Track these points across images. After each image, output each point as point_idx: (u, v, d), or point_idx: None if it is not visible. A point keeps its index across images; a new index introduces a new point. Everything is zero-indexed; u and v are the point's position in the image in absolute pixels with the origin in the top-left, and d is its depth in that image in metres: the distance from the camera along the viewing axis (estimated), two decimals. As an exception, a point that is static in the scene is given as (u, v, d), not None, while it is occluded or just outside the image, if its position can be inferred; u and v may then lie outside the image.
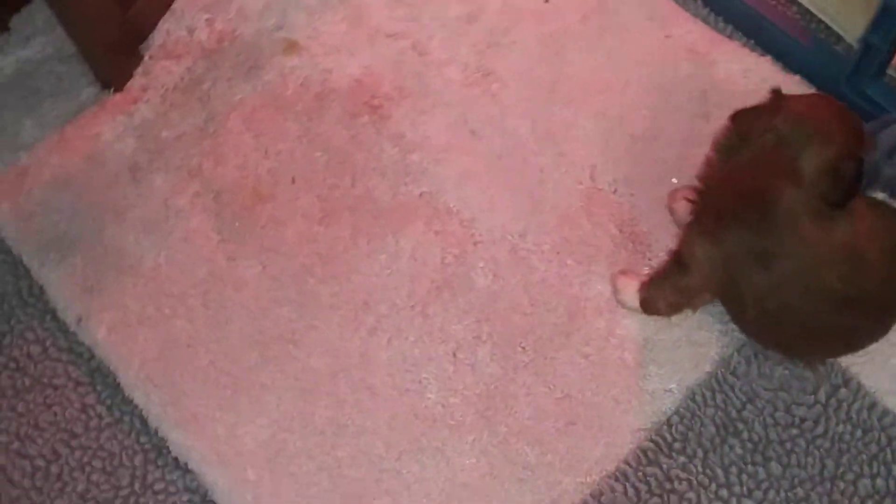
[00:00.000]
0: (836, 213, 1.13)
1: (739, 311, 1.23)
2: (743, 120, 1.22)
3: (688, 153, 1.48)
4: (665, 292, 1.28)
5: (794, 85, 1.53)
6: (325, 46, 1.61)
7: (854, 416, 1.28)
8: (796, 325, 1.19)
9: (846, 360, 1.31)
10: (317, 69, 1.59)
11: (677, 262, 1.26)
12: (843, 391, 1.30)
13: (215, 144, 1.52)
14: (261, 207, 1.46)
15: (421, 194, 1.45)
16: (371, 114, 1.54)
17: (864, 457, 1.26)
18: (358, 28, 1.63)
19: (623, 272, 1.35)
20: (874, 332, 1.23)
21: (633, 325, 1.34)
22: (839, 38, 1.59)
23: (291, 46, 1.62)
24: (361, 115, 1.54)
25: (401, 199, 1.45)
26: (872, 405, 1.29)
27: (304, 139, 1.52)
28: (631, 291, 1.31)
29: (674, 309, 1.29)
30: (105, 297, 1.40)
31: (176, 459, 1.29)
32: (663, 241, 1.40)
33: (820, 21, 1.62)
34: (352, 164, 1.49)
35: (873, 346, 1.31)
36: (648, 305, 1.29)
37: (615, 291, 1.34)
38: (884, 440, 1.27)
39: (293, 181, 1.48)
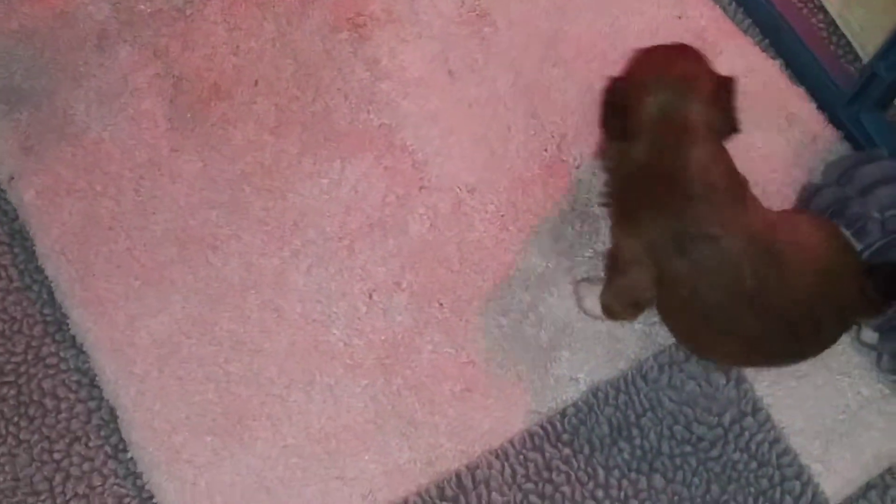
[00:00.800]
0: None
1: (661, 303, 1.18)
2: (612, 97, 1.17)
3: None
4: (614, 297, 1.23)
5: (796, 98, 1.44)
6: (324, -49, 1.53)
7: (754, 447, 1.25)
8: (706, 318, 1.14)
9: (761, 390, 1.27)
10: (309, -29, 1.51)
11: (612, 265, 1.21)
12: (749, 419, 1.26)
13: (188, 29, 1.47)
14: (216, 103, 1.42)
15: (380, 125, 1.40)
16: (352, 31, 1.47)
17: (752, 490, 1.23)
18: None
19: (587, 279, 1.30)
20: (785, 351, 1.18)
21: (558, 307, 1.31)
22: (857, 59, 1.50)
23: (289, -58, 1.54)
24: (342, 30, 1.48)
25: (358, 126, 1.40)
26: (776, 440, 1.25)
27: (278, 42, 1.46)
28: (594, 299, 1.25)
29: (631, 311, 1.23)
30: (41, 160, 1.37)
31: (73, 338, 1.28)
32: (612, 228, 1.35)
33: (842, 36, 1.52)
34: (318, 79, 1.43)
35: (794, 383, 1.27)
36: (609, 312, 1.24)
37: (578, 299, 1.29)
38: (777, 478, 1.24)
39: (255, 83, 1.43)
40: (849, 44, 1.50)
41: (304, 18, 1.48)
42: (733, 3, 1.53)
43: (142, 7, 1.49)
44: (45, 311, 1.30)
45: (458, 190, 1.36)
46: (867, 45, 1.47)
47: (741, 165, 1.38)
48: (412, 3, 1.50)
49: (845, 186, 1.27)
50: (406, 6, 1.49)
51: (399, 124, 1.40)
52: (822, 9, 1.53)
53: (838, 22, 1.52)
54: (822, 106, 1.43)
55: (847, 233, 1.24)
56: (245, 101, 1.42)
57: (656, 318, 1.29)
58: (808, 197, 1.30)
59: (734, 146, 1.39)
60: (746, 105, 1.42)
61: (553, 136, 1.41)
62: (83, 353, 1.27)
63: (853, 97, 1.34)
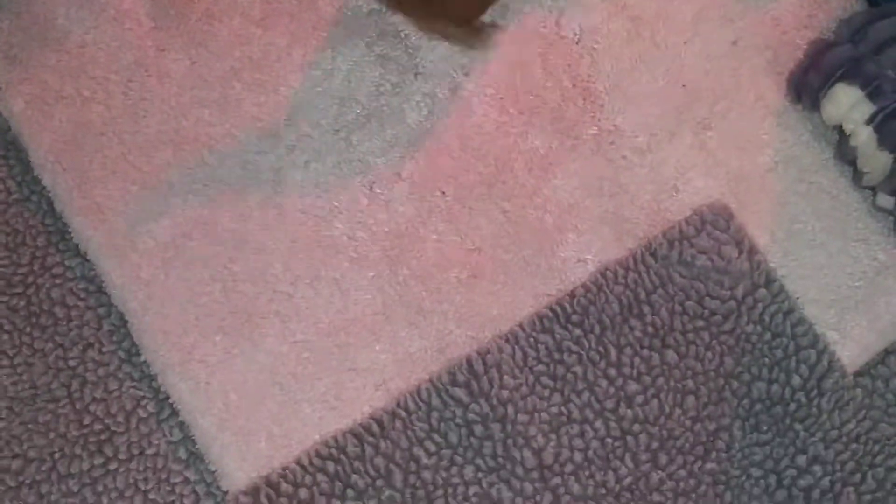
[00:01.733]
0: None
1: None
2: None
3: (669, 7, 1.35)
4: None
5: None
6: None
7: (767, 318, 1.23)
8: None
9: (775, 261, 1.25)
10: None
11: None
12: (762, 291, 1.24)
13: (165, -80, 1.40)
14: (200, -2, 1.36)
15: (370, 11, 1.35)
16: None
17: (766, 360, 1.22)
18: None
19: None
20: None
21: (563, 187, 1.27)
22: None
23: None
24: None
25: (347, 13, 1.35)
26: (790, 311, 1.23)
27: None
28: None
29: None
30: (27, 69, 1.34)
31: (77, 246, 1.28)
32: (617, 103, 1.30)
33: None
34: (304, -35, 1.37)
35: (808, 252, 1.25)
36: None
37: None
38: (791, 348, 1.22)
39: (239, -27, 1.37)
40: None
41: None
42: None
43: None
44: (47, 221, 1.29)
45: (454, 74, 1.32)
46: None
47: (752, 28, 1.33)
48: None
49: (858, 44, 1.21)
50: None
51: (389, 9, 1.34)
52: None
53: None
54: (837, -40, 1.35)
55: (862, 93, 1.19)
56: (230, -9, 1.36)
57: (665, 193, 1.26)
58: (818, 54, 1.24)
59: (746, 13, 1.34)
60: (755, -34, 1.36)
61: (551, 11, 1.34)
62: (88, 261, 1.27)
63: (869, -53, 1.26)
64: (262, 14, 1.35)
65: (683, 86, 1.32)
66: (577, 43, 1.33)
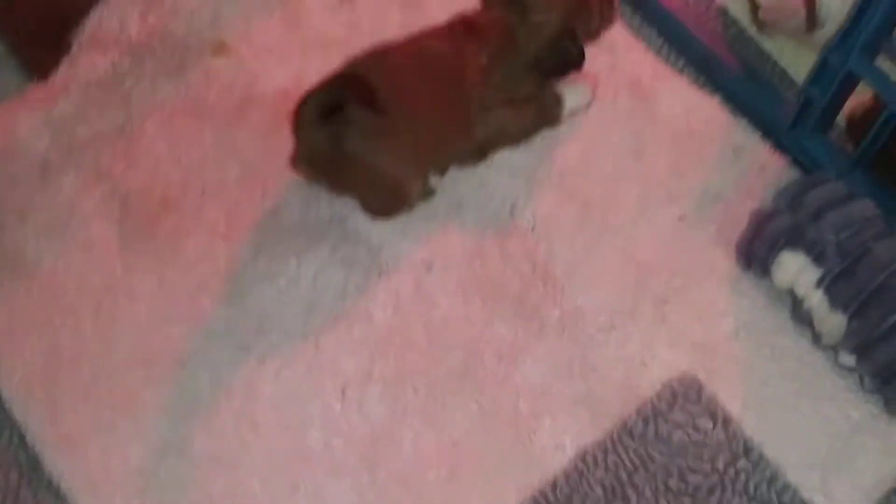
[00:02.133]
0: None
1: None
2: None
3: (615, 190, 1.41)
4: None
5: (739, 130, 1.45)
6: (256, 48, 1.55)
7: (752, 488, 1.23)
8: None
9: (750, 429, 1.26)
10: (243, 73, 1.52)
11: None
12: (742, 461, 1.24)
13: (129, 147, 1.47)
14: (166, 217, 1.41)
15: (331, 217, 1.40)
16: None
17: (757, 532, 1.21)
18: (294, 32, 1.56)
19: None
20: None
21: (533, 372, 1.29)
22: (794, 84, 1.51)
23: (221, 47, 1.55)
24: (281, 128, 1.47)
25: (309, 220, 1.40)
26: (773, 478, 1.23)
27: (220, 149, 1.46)
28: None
29: None
30: (-2, 300, 1.36)
31: (50, 481, 1.25)
32: (576, 284, 1.34)
33: (776, 63, 1.53)
34: (263, 179, 1.43)
35: (781, 416, 1.26)
36: None
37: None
38: (780, 516, 1.21)
39: (202, 192, 1.43)
40: (784, 71, 1.51)
41: (243, 121, 1.48)
42: (665, 45, 1.55)
43: (81, 132, 1.48)
44: (20, 455, 1.27)
45: (416, 269, 1.35)
46: (801, 70, 1.48)
47: (696, 203, 1.39)
48: (348, 90, 1.50)
49: (797, 212, 1.27)
50: (343, 94, 1.50)
51: (349, 213, 1.39)
52: (754, 40, 1.55)
53: (771, 52, 1.53)
54: (766, 134, 1.43)
55: (807, 258, 1.24)
56: (193, 210, 1.41)
57: (634, 370, 1.28)
58: (761, 223, 1.30)
59: (686, 188, 1.41)
60: (693, 145, 1.45)
61: (504, 202, 1.40)
62: (61, 496, 1.24)
63: (793, 123, 1.35)
64: (226, 227, 1.39)
65: (638, 263, 1.36)
66: (532, 230, 1.39)
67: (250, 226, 1.39)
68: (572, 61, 1.30)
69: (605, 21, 1.41)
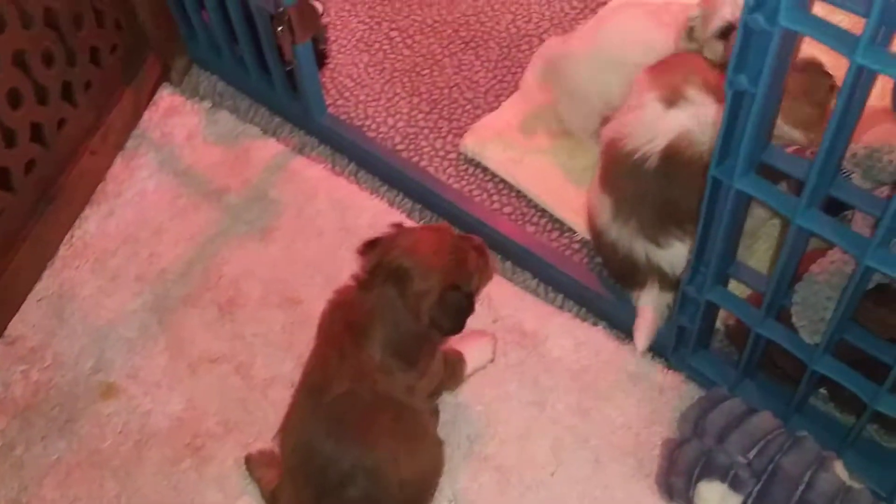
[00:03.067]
0: None
1: None
2: (368, 251, 1.26)
3: (526, 447, 1.41)
4: None
5: (631, 355, 1.48)
6: (145, 384, 1.54)
7: None
8: None
9: None
10: (136, 412, 1.50)
11: None
12: None
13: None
14: (76, 590, 1.33)
15: (252, 546, 1.34)
16: (193, 457, 1.45)
17: None
18: (179, 358, 1.56)
19: None
20: None
21: None
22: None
23: (109, 389, 1.54)
24: (183, 459, 1.45)
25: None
26: None
27: (123, 497, 1.42)
28: None
29: None
30: None
31: None
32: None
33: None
34: (174, 525, 1.38)
35: None
36: None
37: None
38: None
39: (113, 549, 1.37)
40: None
41: (143, 462, 1.45)
42: (541, 285, 1.60)
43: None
44: None
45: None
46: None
47: (603, 442, 1.39)
48: (244, 405, 1.49)
49: (702, 438, 1.28)
50: (239, 410, 1.49)
51: (267, 537, 1.34)
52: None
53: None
54: (657, 355, 1.46)
55: (724, 485, 1.23)
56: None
57: None
58: (672, 454, 1.30)
59: (594, 427, 1.41)
60: (589, 379, 1.47)
61: (421, 486, 1.38)
62: None
63: (675, 346, 1.39)
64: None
65: (565, 520, 1.34)
66: None
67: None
68: (465, 309, 1.27)
69: (484, 276, 1.40)
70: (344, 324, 1.28)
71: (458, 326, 1.26)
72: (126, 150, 1.80)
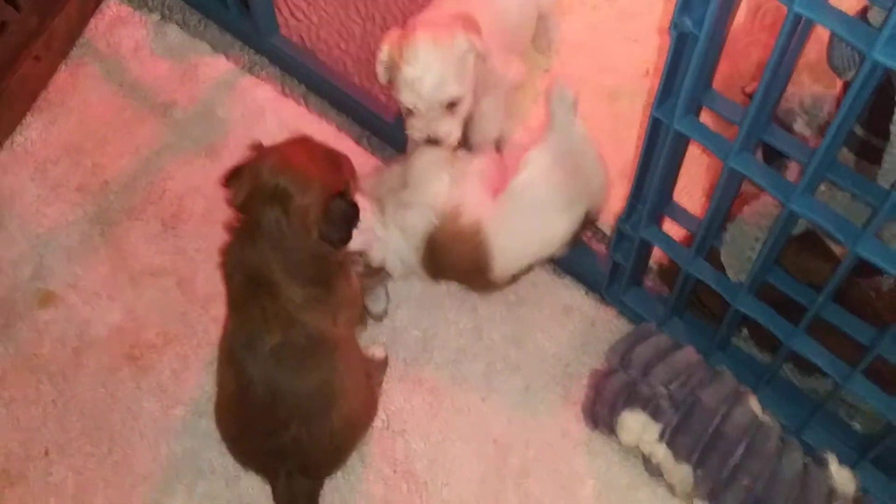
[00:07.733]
0: None
1: None
2: (235, 182, 1.18)
3: (460, 371, 1.45)
4: None
5: (565, 288, 1.52)
6: (85, 294, 1.53)
7: None
8: None
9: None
10: (74, 321, 1.51)
11: None
12: None
13: (-39, 420, 1.41)
14: (11, 491, 1.35)
15: (183, 453, 1.37)
16: (130, 366, 1.46)
17: None
18: (120, 269, 1.56)
19: None
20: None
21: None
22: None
23: (48, 297, 1.54)
24: (121, 368, 1.46)
25: (161, 462, 1.37)
26: None
27: (59, 402, 1.43)
28: None
29: None
30: None
31: None
32: (439, 477, 1.36)
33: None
34: (109, 427, 1.40)
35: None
36: None
37: None
38: None
39: (46, 453, 1.39)
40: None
41: (80, 368, 1.46)
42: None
43: None
44: None
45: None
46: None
47: (534, 371, 1.44)
48: (185, 318, 1.50)
49: (628, 370, 1.33)
50: (179, 323, 1.50)
51: (202, 445, 1.37)
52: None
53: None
54: (590, 290, 1.51)
55: (645, 414, 1.29)
56: (39, 476, 1.36)
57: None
58: (599, 384, 1.35)
59: (526, 356, 1.46)
60: (525, 311, 1.51)
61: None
62: None
63: (609, 282, 1.43)
64: (75, 488, 1.36)
65: (494, 441, 1.39)
66: (387, 428, 1.40)
67: (101, 480, 1.35)
68: (351, 217, 1.21)
69: (357, 182, 1.28)
70: (249, 284, 1.21)
71: (346, 236, 1.19)
72: (70, 58, 1.76)
